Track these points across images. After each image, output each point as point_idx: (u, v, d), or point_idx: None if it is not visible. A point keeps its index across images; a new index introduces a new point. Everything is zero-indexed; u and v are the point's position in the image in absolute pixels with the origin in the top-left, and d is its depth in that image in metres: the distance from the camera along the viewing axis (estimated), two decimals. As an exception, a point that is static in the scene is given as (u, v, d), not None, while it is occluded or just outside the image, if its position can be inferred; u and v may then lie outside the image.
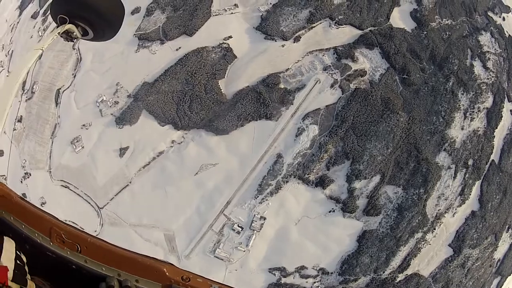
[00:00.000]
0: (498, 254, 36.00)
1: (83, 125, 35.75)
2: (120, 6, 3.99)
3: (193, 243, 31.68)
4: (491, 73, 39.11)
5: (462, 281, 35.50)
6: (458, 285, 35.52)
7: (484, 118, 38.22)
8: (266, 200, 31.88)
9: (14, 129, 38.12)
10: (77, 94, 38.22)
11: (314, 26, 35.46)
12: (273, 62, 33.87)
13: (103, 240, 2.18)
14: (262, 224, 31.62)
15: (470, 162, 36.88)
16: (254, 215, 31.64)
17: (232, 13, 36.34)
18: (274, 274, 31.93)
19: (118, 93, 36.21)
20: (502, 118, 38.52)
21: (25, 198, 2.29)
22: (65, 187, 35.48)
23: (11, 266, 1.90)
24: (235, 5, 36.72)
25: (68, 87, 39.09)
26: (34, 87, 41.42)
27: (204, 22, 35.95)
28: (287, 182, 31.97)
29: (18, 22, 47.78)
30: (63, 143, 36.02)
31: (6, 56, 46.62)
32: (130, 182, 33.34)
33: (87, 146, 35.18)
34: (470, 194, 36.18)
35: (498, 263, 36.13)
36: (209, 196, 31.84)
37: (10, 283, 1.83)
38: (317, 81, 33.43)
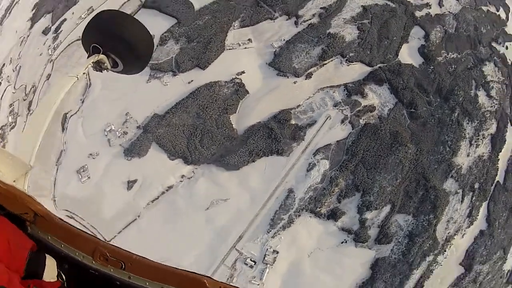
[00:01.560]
0: (508, 266, 36.08)
1: (90, 154, 35.17)
2: (151, 42, 4.13)
3: (205, 278, 31.73)
4: (494, 101, 39.98)
5: (475, 296, 35.92)
6: (472, 300, 35.89)
7: (489, 144, 38.94)
8: (279, 234, 31.99)
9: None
10: (84, 121, 37.59)
11: (326, 63, 36.14)
12: (284, 98, 34.32)
13: (146, 258, 2.34)
14: (275, 257, 31.69)
15: (476, 185, 37.49)
16: (267, 249, 31.66)
17: (245, 47, 36.74)
18: (290, 306, 32.11)
19: (127, 124, 36.03)
20: (506, 142, 39.30)
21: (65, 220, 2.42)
22: (71, 218, 34.63)
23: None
24: (249, 39, 37.20)
25: (76, 113, 38.55)
26: (39, 107, 41.03)
27: (217, 56, 36.27)
28: (299, 216, 32.18)
29: (28, 36, 47.20)
30: (68, 171, 35.10)
31: (14, 71, 45.96)
32: (139, 216, 32.77)
33: (94, 177, 34.39)
34: (478, 215, 36.64)
35: (508, 274, 36.38)
36: (220, 231, 31.81)
37: None
38: (327, 117, 34.01)
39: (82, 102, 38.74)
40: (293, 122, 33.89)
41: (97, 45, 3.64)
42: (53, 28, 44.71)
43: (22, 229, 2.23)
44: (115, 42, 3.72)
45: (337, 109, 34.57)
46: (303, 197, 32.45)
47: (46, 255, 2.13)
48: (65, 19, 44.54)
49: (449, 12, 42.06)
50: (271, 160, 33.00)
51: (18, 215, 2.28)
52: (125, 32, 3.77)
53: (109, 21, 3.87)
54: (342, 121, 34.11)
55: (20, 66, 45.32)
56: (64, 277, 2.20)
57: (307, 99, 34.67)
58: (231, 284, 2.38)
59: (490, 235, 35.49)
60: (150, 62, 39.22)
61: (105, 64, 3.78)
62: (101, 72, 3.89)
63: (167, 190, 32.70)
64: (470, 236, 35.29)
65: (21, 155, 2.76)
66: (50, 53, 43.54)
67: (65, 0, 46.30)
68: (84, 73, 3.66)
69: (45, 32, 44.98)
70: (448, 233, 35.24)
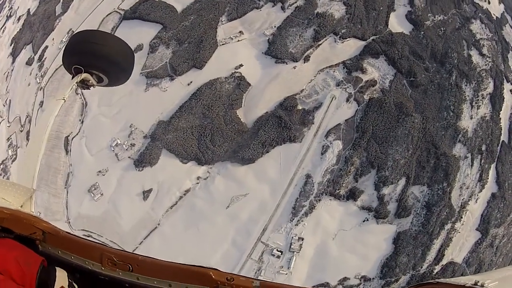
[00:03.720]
0: (522, 227, 37.14)
1: (99, 171, 35.10)
2: (129, 49, 4.16)
3: (233, 275, 31.60)
4: (487, 58, 40.58)
5: (492, 260, 36.55)
6: (490, 264, 36.61)
7: (489, 103, 39.60)
8: (302, 221, 32.04)
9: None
10: (88, 140, 37.57)
11: (321, 44, 36.16)
12: (287, 85, 34.26)
13: (152, 257, 2.36)
14: (301, 244, 31.76)
15: (483, 147, 38.14)
16: (292, 237, 31.74)
17: (238, 40, 36.56)
18: (318, 291, 32.23)
19: (133, 135, 35.80)
20: (505, 99, 40.01)
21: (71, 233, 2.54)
22: (88, 236, 34.79)
23: None
24: (240, 32, 36.99)
25: (77, 134, 38.41)
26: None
27: (212, 53, 36.02)
28: (319, 200, 32.27)
29: (12, 70, 46.87)
30: (79, 192, 35.26)
31: (4, 106, 45.67)
32: (159, 224, 32.78)
33: (107, 193, 34.47)
34: (488, 178, 37.28)
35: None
36: (244, 226, 31.76)
37: None
38: (332, 98, 34.08)
39: (82, 122, 38.41)
40: (299, 107, 33.86)
41: (77, 66, 3.76)
42: (36, 57, 44.80)
43: (33, 249, 2.34)
44: (94, 59, 3.85)
45: (340, 88, 34.66)
46: (321, 181, 32.49)
47: (57, 267, 2.20)
48: (46, 46, 44.46)
49: (427, -27, 42.47)
50: (285, 148, 32.93)
51: (28, 236, 2.40)
52: (100, 48, 3.89)
53: (83, 42, 4.00)
54: (347, 99, 34.22)
55: (10, 100, 45.08)
56: (76, 286, 2.27)
57: (309, 82, 34.68)
58: (241, 274, 2.35)
59: (502, 197, 36.20)
60: (144, 70, 38.92)
61: (90, 81, 3.89)
62: (89, 89, 4.01)
63: (184, 194, 32.57)
64: (483, 200, 35.90)
65: (23, 181, 2.87)
66: (38, 81, 43.39)
67: (42, 28, 45.83)
68: (77, 94, 3.73)
69: (29, 62, 44.90)
70: (463, 199, 35.82)
